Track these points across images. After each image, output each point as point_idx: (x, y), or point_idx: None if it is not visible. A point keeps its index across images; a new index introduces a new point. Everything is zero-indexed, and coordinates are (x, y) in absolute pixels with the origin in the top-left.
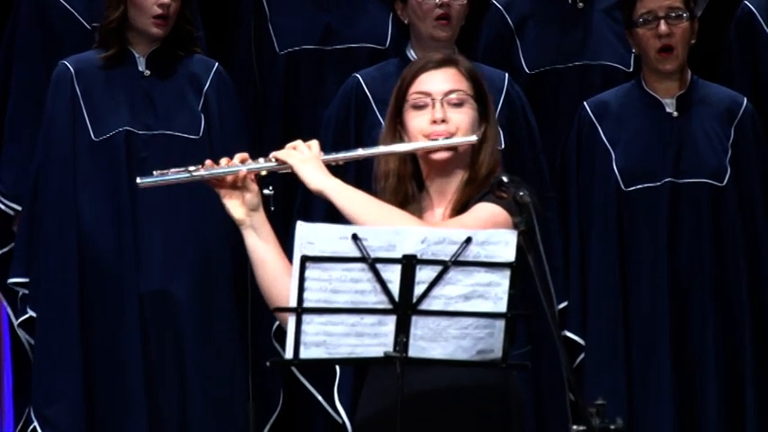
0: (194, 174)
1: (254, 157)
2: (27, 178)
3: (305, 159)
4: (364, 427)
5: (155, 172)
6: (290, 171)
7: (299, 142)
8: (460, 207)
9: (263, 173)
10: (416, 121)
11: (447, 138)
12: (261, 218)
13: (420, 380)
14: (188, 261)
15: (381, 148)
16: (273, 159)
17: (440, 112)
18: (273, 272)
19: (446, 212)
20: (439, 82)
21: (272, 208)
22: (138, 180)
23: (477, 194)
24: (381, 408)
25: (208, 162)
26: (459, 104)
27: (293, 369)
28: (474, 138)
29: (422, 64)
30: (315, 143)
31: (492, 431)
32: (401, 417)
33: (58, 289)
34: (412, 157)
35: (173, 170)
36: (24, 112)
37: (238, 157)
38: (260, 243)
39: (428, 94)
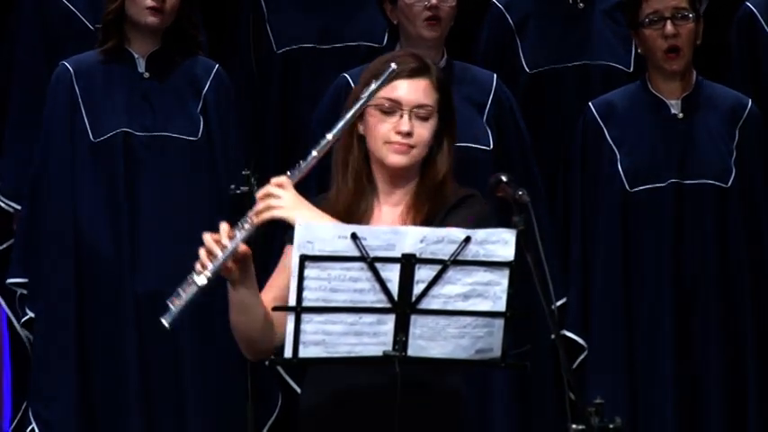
0: (203, 281)
1: (254, 154)
2: (27, 178)
3: (291, 206)
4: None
5: (169, 304)
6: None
7: (269, 188)
8: (431, 215)
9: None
10: (382, 126)
11: (406, 148)
12: (249, 268)
13: (381, 375)
14: (186, 261)
15: (329, 137)
16: (254, 219)
17: (407, 125)
18: (255, 316)
19: (408, 218)
20: (411, 92)
21: None
22: (164, 320)
23: (444, 203)
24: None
25: (202, 255)
26: (424, 119)
27: (279, 369)
28: (373, 86)
29: (397, 69)
30: (284, 179)
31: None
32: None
33: (55, 289)
34: (366, 157)
35: (181, 290)
36: (26, 112)
37: (224, 232)
38: (247, 293)
39: (398, 103)
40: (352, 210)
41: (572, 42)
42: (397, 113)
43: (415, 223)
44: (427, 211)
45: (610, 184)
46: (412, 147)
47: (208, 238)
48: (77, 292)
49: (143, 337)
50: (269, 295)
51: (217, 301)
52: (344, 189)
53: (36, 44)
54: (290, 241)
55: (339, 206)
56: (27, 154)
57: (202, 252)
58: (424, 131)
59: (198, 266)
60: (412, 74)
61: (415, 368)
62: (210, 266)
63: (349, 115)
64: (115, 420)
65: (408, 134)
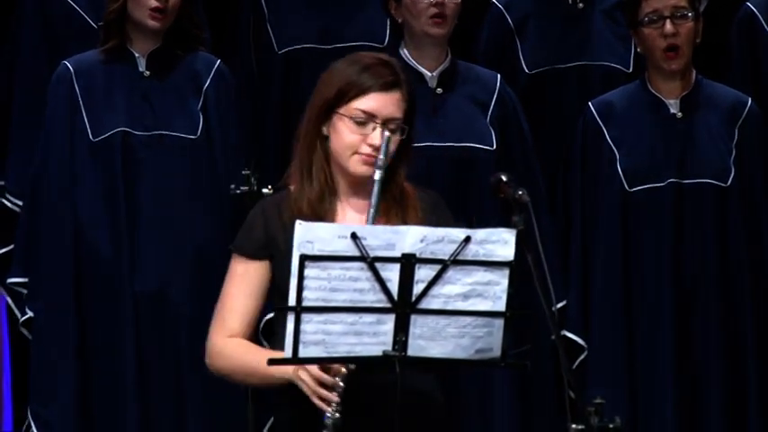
0: (337, 415)
1: (254, 154)
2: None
3: None
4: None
5: None
6: None
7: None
8: (407, 219)
9: None
10: (352, 137)
11: (374, 159)
12: None
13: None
14: (185, 261)
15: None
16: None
17: (379, 138)
18: None
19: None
20: (385, 106)
21: None
22: None
23: (414, 204)
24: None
25: (321, 403)
26: (393, 131)
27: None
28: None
29: (371, 82)
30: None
31: None
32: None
33: (54, 289)
34: (327, 157)
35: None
36: (30, 112)
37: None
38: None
39: (372, 116)
40: (317, 210)
41: (571, 43)
42: (369, 125)
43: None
44: (403, 216)
45: (609, 185)
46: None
47: (320, 391)
48: (76, 291)
49: (142, 337)
50: (236, 321)
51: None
52: (309, 189)
53: (38, 43)
54: (239, 250)
55: (304, 206)
56: (32, 153)
57: (319, 402)
58: (392, 144)
59: (324, 406)
60: (386, 87)
61: (403, 377)
62: (333, 399)
63: (373, 211)
64: (114, 420)
65: (379, 148)
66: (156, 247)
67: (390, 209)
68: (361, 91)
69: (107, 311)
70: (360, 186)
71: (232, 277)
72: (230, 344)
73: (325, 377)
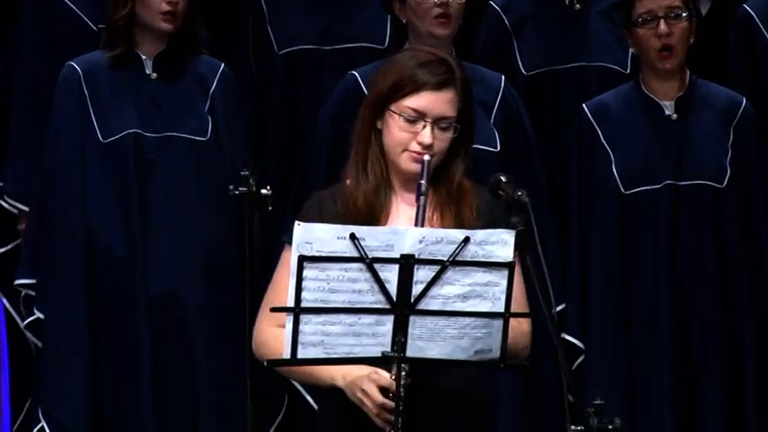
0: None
1: (254, 155)
2: (32, 178)
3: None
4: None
5: None
6: None
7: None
8: (459, 217)
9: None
10: (402, 133)
11: (423, 160)
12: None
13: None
14: (197, 262)
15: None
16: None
17: (429, 137)
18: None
19: (435, 221)
20: (436, 105)
21: (270, 207)
22: None
23: (469, 203)
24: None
25: (379, 422)
26: (445, 129)
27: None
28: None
29: (425, 79)
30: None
31: None
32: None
33: (66, 290)
34: (382, 151)
35: None
36: (29, 113)
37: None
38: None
39: (422, 114)
40: (372, 203)
41: (569, 44)
42: (420, 123)
43: (444, 226)
44: (455, 214)
45: (605, 186)
46: (430, 158)
47: (384, 415)
48: (89, 292)
49: (154, 338)
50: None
51: (228, 301)
52: (365, 183)
53: (37, 44)
54: (291, 242)
55: (359, 199)
56: (30, 155)
57: (381, 423)
58: (442, 143)
59: (387, 427)
60: (439, 86)
61: (445, 376)
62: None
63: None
64: (127, 421)
65: (429, 146)
66: (169, 247)
67: (444, 206)
68: (414, 88)
69: (120, 311)
70: (413, 182)
71: (284, 266)
72: (275, 333)
73: (389, 403)
